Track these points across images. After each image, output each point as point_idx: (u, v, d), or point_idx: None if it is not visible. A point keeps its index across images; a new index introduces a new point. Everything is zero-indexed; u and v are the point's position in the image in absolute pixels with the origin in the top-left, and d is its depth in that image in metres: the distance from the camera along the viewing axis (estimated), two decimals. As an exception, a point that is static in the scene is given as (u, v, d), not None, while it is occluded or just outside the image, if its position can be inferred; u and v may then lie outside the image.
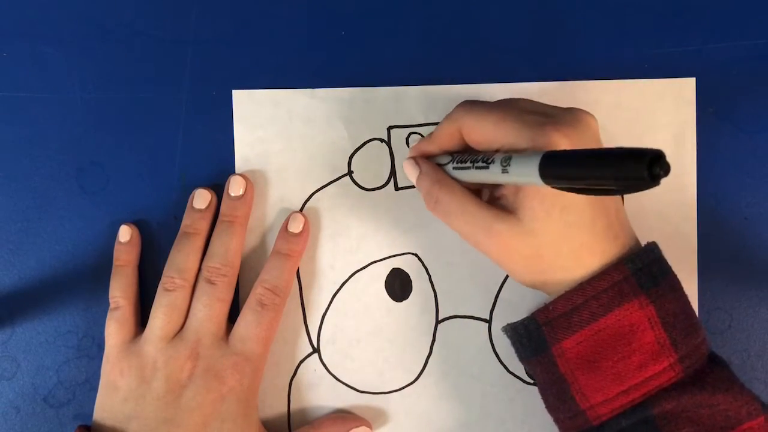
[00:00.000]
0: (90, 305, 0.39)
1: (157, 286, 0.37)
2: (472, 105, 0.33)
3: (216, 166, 0.39)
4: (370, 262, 0.39)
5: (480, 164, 0.31)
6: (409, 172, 0.36)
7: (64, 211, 0.39)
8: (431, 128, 0.39)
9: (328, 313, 0.39)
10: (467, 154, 0.33)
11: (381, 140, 0.39)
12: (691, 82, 0.39)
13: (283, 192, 0.39)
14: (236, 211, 0.38)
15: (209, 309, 0.36)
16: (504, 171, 0.29)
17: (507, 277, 0.39)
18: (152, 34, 0.39)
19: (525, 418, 0.39)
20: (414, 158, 0.36)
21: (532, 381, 0.39)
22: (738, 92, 0.39)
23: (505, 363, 0.39)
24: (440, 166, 0.35)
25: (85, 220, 0.39)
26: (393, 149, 0.39)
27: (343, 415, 0.39)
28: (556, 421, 0.34)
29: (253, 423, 0.37)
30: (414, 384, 0.39)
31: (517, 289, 0.39)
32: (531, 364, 0.33)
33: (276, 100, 0.39)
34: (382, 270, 0.39)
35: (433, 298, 0.39)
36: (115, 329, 0.37)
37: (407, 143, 0.39)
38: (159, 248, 0.39)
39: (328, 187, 0.39)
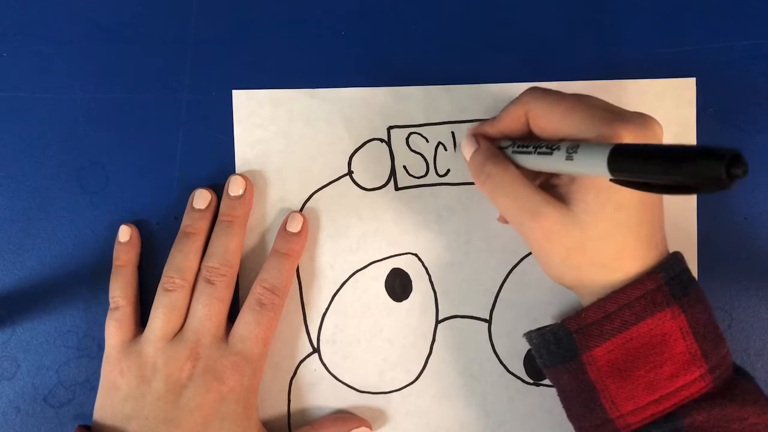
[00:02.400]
0: (90, 305, 0.39)
1: (157, 286, 0.37)
2: (542, 92, 0.33)
3: (216, 166, 0.39)
4: (370, 262, 0.39)
5: (543, 150, 0.31)
6: (466, 148, 0.36)
7: (64, 211, 0.39)
8: (431, 128, 0.39)
9: (328, 313, 0.39)
10: (530, 141, 0.33)
11: (381, 140, 0.39)
12: (691, 82, 0.39)
13: (283, 192, 0.39)
14: (236, 211, 0.38)
15: (209, 309, 0.36)
16: (568, 158, 0.29)
17: (507, 277, 0.39)
18: (152, 34, 0.39)
19: (525, 418, 0.39)
20: (473, 135, 0.36)
21: (531, 381, 0.39)
22: (738, 92, 0.39)
23: (505, 363, 0.39)
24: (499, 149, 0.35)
25: (85, 220, 0.39)
26: (393, 149, 0.39)
27: (343, 415, 0.39)
28: (579, 429, 0.33)
29: (253, 423, 0.37)
30: (414, 384, 0.39)
31: (517, 289, 0.39)
32: (557, 372, 0.33)
33: (276, 100, 0.39)
34: (382, 270, 0.39)
35: (433, 298, 0.39)
36: (115, 329, 0.37)
37: (407, 143, 0.39)
38: (159, 248, 0.39)
39: (328, 187, 0.39)
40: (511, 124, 0.34)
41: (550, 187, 0.34)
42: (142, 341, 0.36)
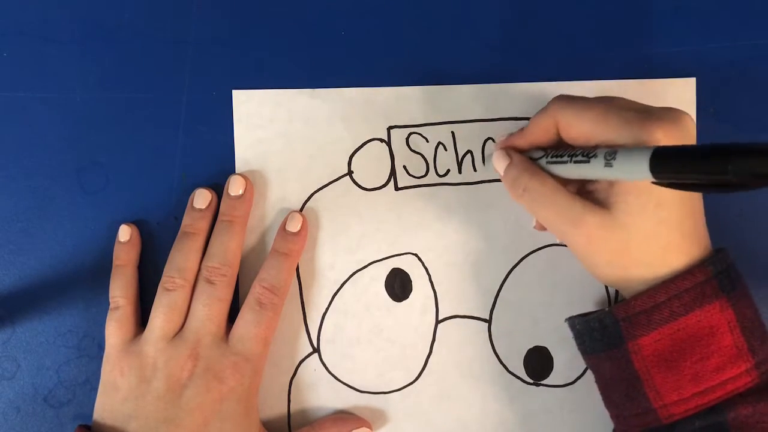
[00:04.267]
0: (90, 305, 0.39)
1: (157, 286, 0.37)
2: (569, 100, 0.33)
3: (216, 166, 0.39)
4: (370, 262, 0.39)
5: (579, 158, 0.31)
6: (498, 163, 0.35)
7: (64, 211, 0.39)
8: (431, 128, 0.39)
9: (328, 313, 0.39)
10: (562, 149, 0.33)
11: (381, 140, 0.39)
12: (691, 82, 0.39)
13: (283, 192, 0.39)
14: (236, 211, 0.38)
15: (209, 309, 0.36)
16: (607, 165, 0.29)
17: (507, 277, 0.39)
18: (152, 34, 0.39)
19: (525, 418, 0.39)
20: (504, 149, 0.36)
21: (531, 381, 0.39)
22: (738, 92, 0.39)
23: (505, 363, 0.39)
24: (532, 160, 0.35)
25: (85, 220, 0.39)
26: (393, 149, 0.39)
27: (343, 416, 0.39)
28: (617, 417, 0.34)
29: (254, 423, 0.37)
30: (414, 384, 0.39)
31: (517, 289, 0.39)
32: (598, 359, 0.33)
33: (276, 100, 0.39)
34: (382, 270, 0.39)
35: (433, 298, 0.39)
36: (115, 329, 0.37)
37: (407, 143, 0.39)
38: (159, 248, 0.39)
39: (328, 187, 0.39)
40: (540, 134, 0.34)
41: (586, 192, 0.34)
42: (142, 341, 0.36)
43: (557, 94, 0.34)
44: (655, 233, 0.31)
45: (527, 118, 0.39)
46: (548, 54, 0.39)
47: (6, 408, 0.39)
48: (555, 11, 0.39)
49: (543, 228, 0.37)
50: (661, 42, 0.39)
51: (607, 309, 0.32)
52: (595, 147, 0.31)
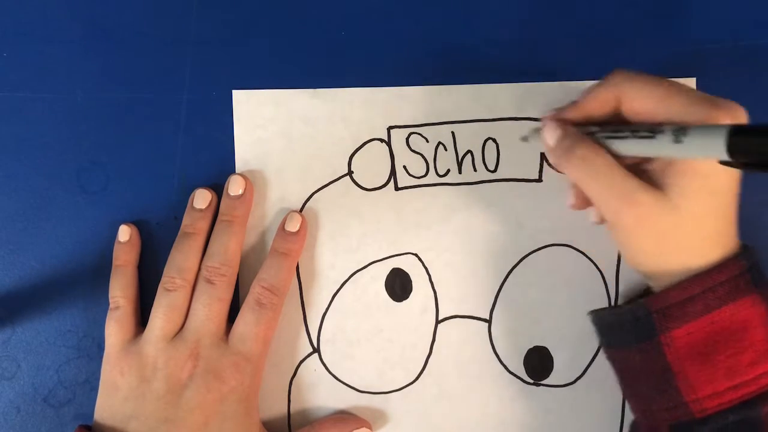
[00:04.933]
0: (90, 305, 0.39)
1: (157, 286, 0.37)
2: (634, 74, 0.32)
3: (216, 166, 0.39)
4: (370, 262, 0.39)
5: (643, 134, 0.30)
6: (549, 134, 0.33)
7: (64, 211, 0.39)
8: (431, 128, 0.39)
9: (328, 313, 0.39)
10: (620, 125, 0.32)
11: (381, 140, 0.39)
12: (691, 82, 0.39)
13: (283, 192, 0.39)
14: (235, 211, 0.38)
15: (209, 309, 0.36)
16: (677, 141, 0.28)
17: (507, 277, 0.39)
18: (152, 34, 0.39)
19: (525, 418, 0.39)
20: (555, 121, 0.34)
21: (531, 381, 0.39)
22: (738, 92, 0.39)
23: (505, 363, 0.39)
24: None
25: (85, 220, 0.39)
26: (393, 149, 0.39)
27: (343, 416, 0.39)
28: (644, 411, 0.33)
29: (254, 422, 0.37)
30: (414, 384, 0.39)
31: (517, 289, 0.39)
32: (626, 352, 0.33)
33: (276, 100, 0.39)
34: (382, 270, 0.39)
35: (433, 298, 0.39)
36: (115, 329, 0.37)
37: (407, 143, 0.39)
38: (159, 248, 0.39)
39: (328, 187, 0.39)
40: (597, 107, 0.33)
41: (638, 172, 0.32)
42: (142, 341, 0.36)
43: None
44: (705, 220, 0.30)
45: (527, 118, 0.39)
46: (548, 54, 0.39)
47: (6, 408, 0.39)
48: (554, 11, 0.39)
49: (581, 207, 0.35)
50: (662, 42, 0.39)
51: (640, 301, 0.32)
52: (660, 124, 0.30)
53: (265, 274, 0.37)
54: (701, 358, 0.31)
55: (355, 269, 0.39)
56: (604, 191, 0.31)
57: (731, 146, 0.25)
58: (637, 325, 0.32)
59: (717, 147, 0.26)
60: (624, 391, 0.35)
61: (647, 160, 0.32)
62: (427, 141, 0.39)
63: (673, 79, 0.32)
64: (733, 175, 0.30)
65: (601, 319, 0.34)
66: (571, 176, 0.33)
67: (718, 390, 0.31)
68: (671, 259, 0.32)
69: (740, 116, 0.30)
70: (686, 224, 0.30)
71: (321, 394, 0.39)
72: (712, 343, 0.31)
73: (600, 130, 0.32)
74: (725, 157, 0.26)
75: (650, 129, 0.30)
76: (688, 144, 0.28)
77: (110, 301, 0.38)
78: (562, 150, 0.33)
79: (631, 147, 0.31)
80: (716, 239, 0.31)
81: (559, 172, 0.35)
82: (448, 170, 0.39)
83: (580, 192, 0.35)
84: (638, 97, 0.31)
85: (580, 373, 0.39)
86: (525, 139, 0.38)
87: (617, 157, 0.32)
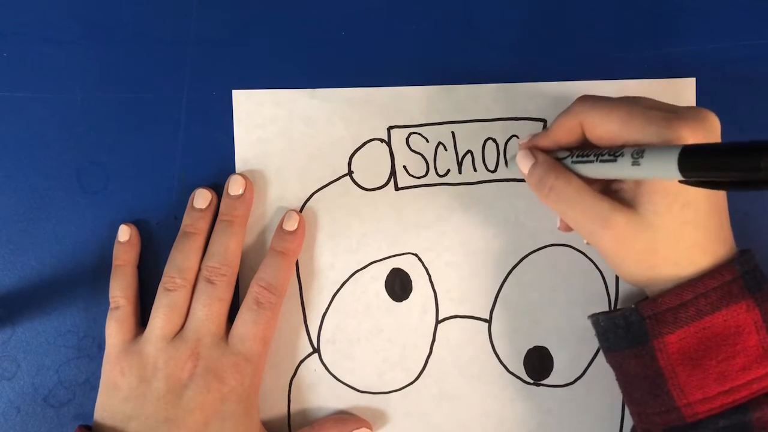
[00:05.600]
0: (90, 305, 0.39)
1: (157, 286, 0.37)
2: (594, 100, 0.33)
3: (216, 166, 0.39)
4: (370, 262, 0.39)
5: (606, 157, 0.31)
6: (522, 163, 0.35)
7: (64, 211, 0.39)
8: (431, 128, 0.39)
9: (328, 313, 0.39)
10: (588, 149, 0.33)
11: (381, 140, 0.39)
12: (691, 82, 0.39)
13: (282, 192, 0.39)
14: (235, 211, 0.38)
15: (209, 309, 0.36)
16: (635, 164, 0.29)
17: (507, 277, 0.39)
18: (152, 34, 0.39)
19: (525, 418, 0.39)
20: (529, 149, 0.35)
21: (531, 381, 0.39)
22: (738, 92, 0.39)
23: (505, 363, 0.39)
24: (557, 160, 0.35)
25: (85, 220, 0.39)
26: (393, 149, 0.39)
27: (343, 416, 0.39)
28: (639, 414, 0.34)
29: (254, 423, 0.37)
30: (414, 384, 0.39)
31: (517, 289, 0.39)
32: (622, 356, 0.33)
33: (276, 100, 0.39)
34: (382, 270, 0.39)
35: (433, 298, 0.39)
36: (115, 329, 0.37)
37: (407, 143, 0.39)
38: (159, 248, 0.39)
39: (328, 187, 0.39)
40: (565, 134, 0.34)
41: (611, 192, 0.34)
42: (142, 341, 0.36)
43: (581, 95, 0.34)
44: (682, 233, 0.31)
45: (527, 118, 0.39)
46: (548, 54, 0.39)
47: (6, 408, 0.39)
48: (554, 12, 0.39)
49: (568, 229, 0.37)
50: (661, 42, 0.39)
51: (633, 306, 0.32)
52: (622, 146, 0.31)
53: (263, 274, 0.37)
54: (693, 363, 0.31)
55: (355, 269, 0.39)
56: (579, 216, 0.32)
57: (682, 166, 0.26)
58: (630, 330, 0.32)
59: (671, 168, 0.26)
60: (623, 395, 0.35)
61: (617, 180, 0.33)
62: (427, 141, 0.39)
63: (636, 97, 0.33)
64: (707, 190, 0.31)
65: (598, 323, 0.34)
66: (545, 203, 0.34)
67: (709, 395, 0.31)
68: (658, 272, 0.32)
69: (705, 126, 0.30)
70: (664, 240, 0.31)
71: (321, 394, 0.39)
72: (704, 349, 0.31)
73: (569, 155, 0.34)
74: (680, 177, 0.26)
75: (612, 152, 0.30)
76: (646, 166, 0.28)
77: (110, 301, 0.38)
78: (534, 181, 0.34)
79: (597, 170, 0.32)
80: (704, 246, 0.31)
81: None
82: (448, 170, 0.39)
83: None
84: (600, 122, 0.32)
85: (580, 373, 0.39)
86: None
87: (589, 181, 0.33)
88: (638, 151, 0.29)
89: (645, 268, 0.32)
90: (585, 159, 0.32)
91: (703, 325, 0.31)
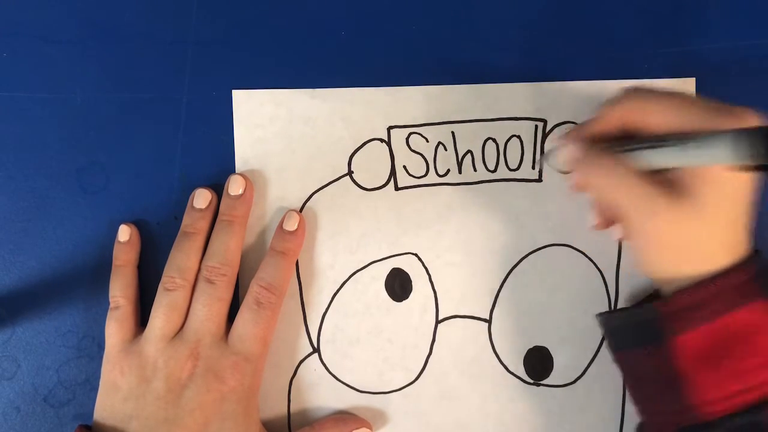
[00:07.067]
0: (90, 305, 0.39)
1: (157, 286, 0.37)
2: (645, 90, 0.32)
3: (216, 166, 0.39)
4: (370, 262, 0.39)
5: (661, 144, 0.30)
6: (570, 148, 0.34)
7: (64, 211, 0.39)
8: (431, 128, 0.39)
9: (328, 313, 0.39)
10: (634, 140, 0.32)
11: (381, 140, 0.39)
12: (691, 82, 0.39)
13: (282, 192, 0.39)
14: (235, 211, 0.38)
15: (209, 308, 0.36)
16: (697, 148, 0.28)
17: (507, 277, 0.39)
18: (152, 34, 0.39)
19: (525, 418, 0.39)
20: (572, 137, 0.34)
21: (531, 381, 0.39)
22: (738, 92, 0.39)
23: (505, 363, 0.39)
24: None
25: (85, 220, 0.39)
26: (393, 149, 0.39)
27: (343, 416, 0.39)
28: (651, 413, 0.33)
29: (254, 423, 0.37)
30: (414, 384, 0.39)
31: (517, 289, 0.39)
32: (634, 355, 0.33)
33: (276, 100, 0.39)
34: (382, 270, 0.39)
35: (433, 298, 0.39)
36: (115, 329, 0.37)
37: (407, 143, 0.39)
38: (159, 248, 0.39)
39: (328, 187, 0.39)
40: (612, 124, 0.33)
41: (659, 182, 0.32)
42: (142, 341, 0.36)
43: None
44: (723, 227, 0.31)
45: (527, 118, 0.39)
46: (547, 54, 0.39)
47: (6, 408, 0.39)
48: (554, 12, 0.39)
49: (606, 225, 0.36)
50: (661, 42, 0.39)
51: (648, 304, 0.32)
52: (680, 133, 0.30)
53: (263, 274, 0.37)
54: (709, 362, 0.31)
55: (355, 269, 0.39)
56: (625, 199, 0.31)
57: (749, 150, 0.25)
58: (645, 329, 0.32)
59: (735, 152, 0.26)
60: (631, 394, 0.35)
61: (666, 170, 0.32)
62: (427, 141, 0.39)
63: (683, 92, 0.32)
64: (750, 182, 0.31)
65: (610, 321, 0.34)
66: (596, 188, 0.33)
67: (724, 394, 0.31)
68: (684, 268, 0.32)
69: (755, 123, 0.30)
70: (708, 233, 0.31)
71: (321, 394, 0.39)
72: (721, 348, 0.31)
73: (615, 144, 0.33)
74: (745, 161, 0.26)
75: (667, 139, 0.30)
76: (704, 152, 0.28)
77: (110, 301, 0.38)
78: (584, 164, 0.33)
79: (650, 158, 0.31)
80: (729, 246, 0.31)
81: (578, 191, 0.35)
82: (448, 170, 0.39)
83: (602, 211, 0.36)
84: (655, 109, 0.32)
85: (580, 373, 0.39)
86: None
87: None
88: (698, 137, 0.28)
89: (674, 263, 0.32)
90: (638, 146, 0.31)
91: (719, 324, 0.31)
